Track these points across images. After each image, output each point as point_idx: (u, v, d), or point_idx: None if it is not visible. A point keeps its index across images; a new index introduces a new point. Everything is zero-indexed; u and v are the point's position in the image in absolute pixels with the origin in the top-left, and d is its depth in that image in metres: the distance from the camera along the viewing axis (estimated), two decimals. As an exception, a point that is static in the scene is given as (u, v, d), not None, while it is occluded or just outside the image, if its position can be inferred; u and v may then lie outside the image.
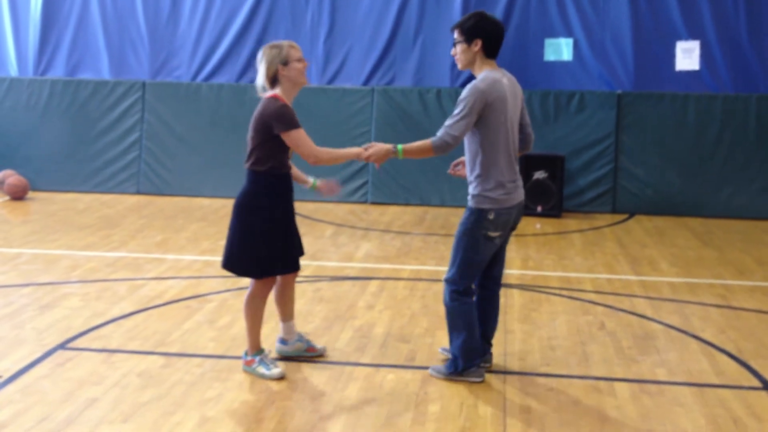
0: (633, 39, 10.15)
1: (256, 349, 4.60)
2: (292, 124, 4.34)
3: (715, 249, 8.21)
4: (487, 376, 4.64)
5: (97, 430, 3.88)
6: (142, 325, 5.43)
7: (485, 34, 4.37)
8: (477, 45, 4.37)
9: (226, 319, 5.56)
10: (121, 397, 4.24)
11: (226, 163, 10.64)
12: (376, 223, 9.24)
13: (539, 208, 9.71)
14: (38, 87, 10.95)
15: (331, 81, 10.68)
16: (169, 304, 5.91)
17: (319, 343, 5.03)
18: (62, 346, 4.98)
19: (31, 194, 10.39)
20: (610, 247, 8.15)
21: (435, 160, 10.27)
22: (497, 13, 10.38)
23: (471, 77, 10.35)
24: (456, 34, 4.43)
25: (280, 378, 4.52)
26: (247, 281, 6.51)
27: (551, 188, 9.69)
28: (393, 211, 9.99)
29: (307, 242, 7.99)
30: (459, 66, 4.49)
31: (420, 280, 6.74)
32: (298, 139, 4.36)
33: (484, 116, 4.31)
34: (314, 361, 4.81)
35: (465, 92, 4.31)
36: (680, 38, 10.07)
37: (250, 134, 4.46)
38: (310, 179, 4.80)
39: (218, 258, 7.28)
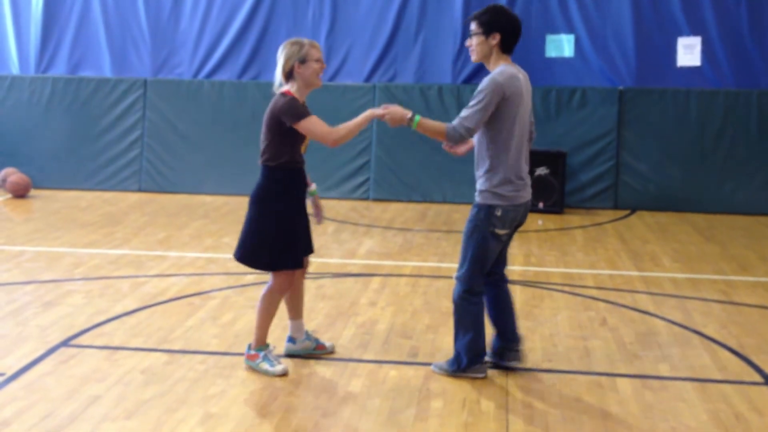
0: (634, 35, 10.14)
1: (262, 344, 4.60)
2: (301, 114, 4.36)
3: (717, 244, 8.21)
4: (490, 372, 4.64)
5: (101, 427, 3.89)
6: (145, 322, 5.44)
7: (504, 29, 4.33)
8: (495, 39, 4.33)
9: (228, 316, 5.58)
10: (125, 394, 4.25)
11: (228, 160, 10.66)
12: (378, 219, 9.25)
13: (541, 204, 9.71)
14: (40, 85, 10.96)
15: (332, 78, 10.69)
16: (171, 301, 5.93)
17: (322, 339, 5.04)
18: (65, 343, 5.00)
19: (33, 192, 10.41)
20: (612, 243, 8.16)
21: (437, 157, 10.29)
22: (498, 9, 10.38)
23: (473, 75, 10.46)
24: (473, 26, 4.38)
25: (283, 375, 4.53)
26: (251, 278, 6.54)
27: (553, 184, 9.69)
28: (395, 207, 9.99)
29: (309, 239, 8.02)
30: (473, 58, 4.43)
31: (422, 276, 6.75)
32: (311, 125, 4.37)
33: (499, 110, 4.28)
34: (317, 358, 4.82)
35: (483, 84, 4.27)
36: (682, 34, 10.06)
37: (262, 131, 4.48)
38: (313, 186, 4.76)
39: (221, 255, 7.32)
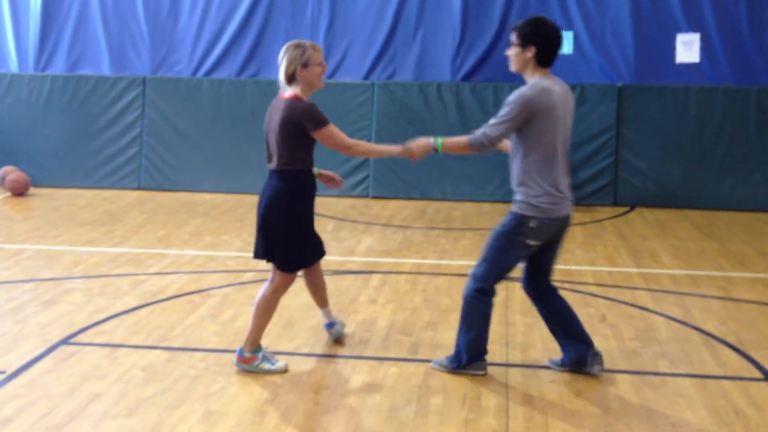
0: (633, 31, 10.14)
1: (256, 346, 4.59)
2: (323, 120, 4.41)
3: (716, 241, 8.22)
4: (490, 368, 4.65)
5: (101, 424, 3.90)
6: (145, 320, 5.44)
7: (540, 42, 4.26)
8: (531, 51, 4.27)
9: (228, 314, 5.58)
10: (125, 392, 4.25)
11: (227, 158, 10.67)
12: (377, 217, 9.25)
13: (540, 202, 9.71)
14: (39, 83, 10.96)
15: (331, 75, 10.68)
16: (171, 299, 5.93)
17: (323, 337, 5.07)
18: (65, 341, 5.00)
19: (32, 190, 10.40)
20: (611, 240, 8.17)
21: (436, 154, 10.28)
22: (497, 6, 10.39)
23: (472, 72, 10.46)
24: (512, 36, 4.34)
25: (286, 371, 4.54)
26: (250, 276, 6.54)
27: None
28: (394, 205, 9.99)
29: (308, 236, 8.03)
30: (511, 68, 4.39)
31: (421, 273, 6.75)
32: (332, 134, 4.42)
33: (531, 124, 4.22)
34: (317, 355, 4.82)
35: (512, 97, 4.23)
36: (681, 31, 10.06)
37: (277, 136, 4.42)
38: (315, 168, 4.77)
39: (220, 253, 7.33)
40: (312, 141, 4.48)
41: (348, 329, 5.28)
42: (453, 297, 6.06)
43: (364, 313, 5.64)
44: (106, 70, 11.10)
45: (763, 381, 4.56)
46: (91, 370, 4.53)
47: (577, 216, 9.42)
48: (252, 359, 4.56)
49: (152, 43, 11.01)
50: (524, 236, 4.33)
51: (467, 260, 7.22)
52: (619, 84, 10.17)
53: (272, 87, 10.67)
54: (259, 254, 4.58)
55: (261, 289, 4.64)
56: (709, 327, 5.47)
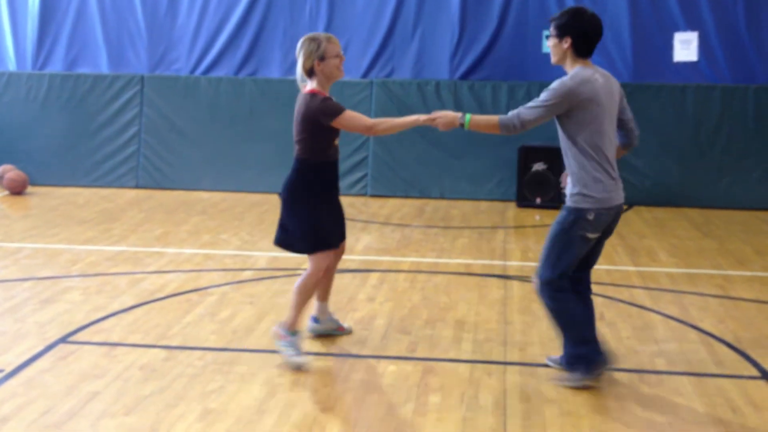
0: (631, 30, 10.15)
1: (293, 328, 4.65)
2: (337, 111, 4.45)
3: (714, 239, 8.23)
4: (488, 366, 4.66)
5: (100, 422, 3.90)
6: (143, 318, 5.44)
7: (576, 33, 4.22)
8: (567, 42, 4.23)
9: (226, 312, 5.58)
10: (123, 390, 4.26)
11: (226, 157, 10.67)
12: (375, 215, 9.26)
13: (538, 200, 9.72)
14: (37, 81, 10.95)
15: (329, 74, 10.67)
16: (169, 297, 5.93)
17: (321, 337, 5.07)
18: (64, 339, 5.00)
19: (30, 189, 10.40)
20: (608, 238, 8.15)
21: (434, 153, 10.31)
22: (495, 4, 10.39)
23: (470, 71, 10.46)
24: (551, 28, 4.33)
25: (300, 368, 4.56)
26: (248, 274, 6.55)
27: (550, 180, 9.71)
28: (392, 203, 10.00)
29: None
30: (552, 60, 4.37)
31: (420, 272, 6.76)
32: (349, 120, 4.47)
33: (574, 115, 4.19)
34: (316, 353, 4.83)
35: (554, 84, 4.20)
36: (678, 29, 10.07)
37: (296, 129, 4.58)
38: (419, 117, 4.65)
39: (218, 251, 7.33)
40: (330, 134, 4.54)
41: (346, 327, 5.26)
42: (451, 295, 6.07)
43: (362, 312, 5.65)
44: (104, 68, 11.09)
45: (760, 379, 4.57)
46: (90, 369, 4.53)
47: (575, 214, 9.43)
48: (283, 337, 4.63)
49: (150, 42, 11.00)
50: (583, 230, 4.26)
51: (465, 258, 7.22)
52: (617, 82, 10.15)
53: (270, 85, 10.69)
54: (276, 241, 4.74)
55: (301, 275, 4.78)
56: (706, 325, 5.47)
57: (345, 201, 10.67)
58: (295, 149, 4.67)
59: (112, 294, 5.97)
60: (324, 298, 5.06)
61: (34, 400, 4.11)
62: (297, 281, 4.73)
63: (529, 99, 10.20)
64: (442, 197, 10.31)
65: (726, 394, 4.33)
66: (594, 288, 6.34)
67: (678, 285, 6.50)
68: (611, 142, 4.32)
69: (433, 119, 4.41)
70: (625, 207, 10.00)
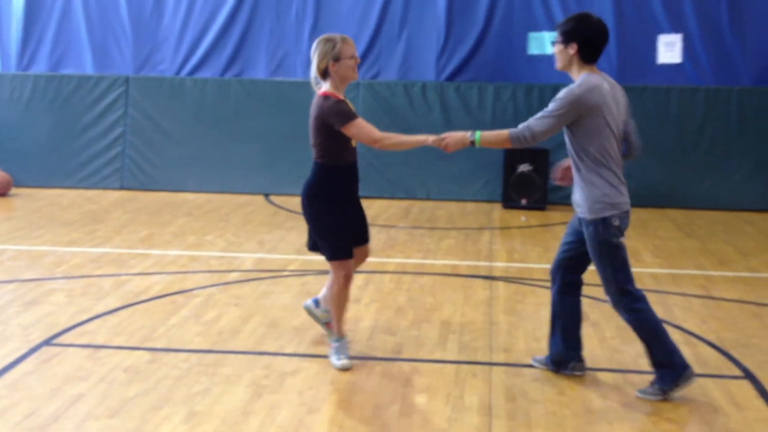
0: (616, 32, 10.20)
1: (339, 335, 4.69)
2: (349, 116, 4.44)
3: (697, 240, 8.29)
4: (473, 367, 4.68)
5: (84, 425, 3.89)
6: (128, 320, 5.43)
7: (582, 38, 4.17)
8: (573, 48, 4.19)
9: (212, 314, 5.57)
10: (108, 393, 4.24)
11: (211, 158, 10.64)
12: (361, 216, 9.25)
13: (524, 201, 9.76)
14: (21, 82, 10.88)
15: (315, 75, 10.67)
16: (154, 299, 5.91)
17: (307, 337, 5.07)
18: (48, 342, 4.98)
19: (14, 190, 10.33)
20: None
21: (419, 153, 10.29)
22: (481, 6, 10.43)
23: (456, 72, 10.49)
24: (557, 34, 4.29)
25: (344, 370, 4.59)
26: (234, 276, 6.54)
27: (536, 181, 9.75)
28: (379, 204, 10.00)
29: (293, 237, 8.03)
30: (556, 66, 4.33)
31: (405, 273, 6.77)
32: (358, 128, 4.45)
33: (584, 123, 4.15)
34: (301, 355, 4.83)
35: (562, 93, 4.15)
36: (662, 31, 10.12)
37: (311, 131, 4.56)
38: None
39: (204, 253, 7.32)
40: (345, 137, 4.51)
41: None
42: (437, 296, 6.08)
43: (348, 313, 5.63)
44: (89, 69, 11.04)
45: (742, 379, 4.61)
46: (74, 371, 4.51)
47: (560, 215, 9.48)
48: (330, 345, 4.71)
49: (135, 42, 10.96)
50: (616, 236, 4.21)
51: (451, 260, 7.24)
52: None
53: (256, 86, 10.67)
54: (309, 246, 4.74)
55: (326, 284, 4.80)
56: (689, 325, 5.52)
57: (331, 202, 10.60)
58: (312, 153, 4.63)
59: (96, 296, 5.95)
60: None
61: (18, 403, 4.09)
62: (328, 295, 4.76)
63: (515, 100, 10.38)
64: (428, 198, 10.33)
65: (709, 394, 4.37)
66: (579, 289, 6.37)
67: (662, 285, 6.54)
68: (619, 147, 4.31)
69: (442, 139, 4.37)
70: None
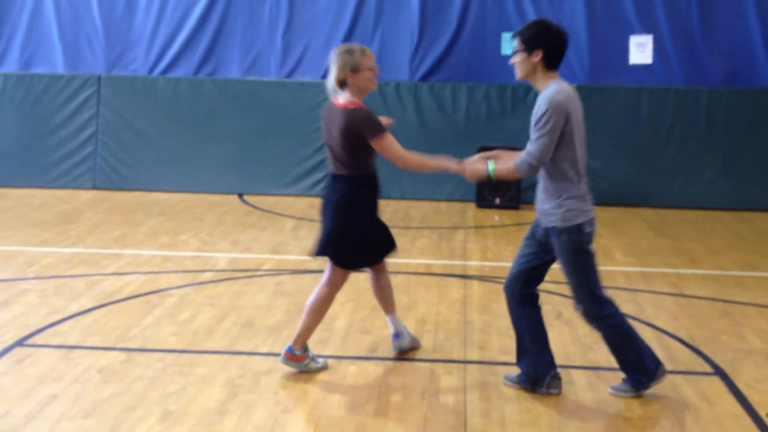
0: (588, 33, 10.30)
1: (305, 345, 4.60)
2: (381, 130, 4.41)
3: (668, 238, 8.40)
4: (448, 365, 4.71)
5: (58, 426, 3.86)
6: (102, 320, 5.39)
7: (546, 45, 4.09)
8: (537, 56, 4.10)
9: (186, 314, 5.55)
10: (82, 393, 4.22)
11: (184, 157, 10.59)
12: (336, 216, 9.25)
13: (498, 200, 9.82)
14: (-10, 81, 10.75)
15: (289, 75, 10.66)
16: (128, 299, 5.88)
17: (282, 336, 5.07)
18: (20, 342, 4.93)
19: (-16, 190, 10.22)
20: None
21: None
22: (455, 7, 10.47)
23: (430, 72, 10.52)
24: (516, 43, 4.16)
25: (325, 368, 4.61)
26: (209, 276, 6.51)
27: (509, 180, 9.81)
28: (353, 204, 9.99)
29: (267, 236, 8.01)
30: (517, 76, 4.23)
31: (380, 272, 6.77)
32: (389, 143, 4.43)
33: (564, 130, 4.16)
34: (276, 355, 4.81)
35: (543, 106, 4.05)
36: (634, 32, 10.25)
37: (338, 144, 4.45)
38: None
39: (177, 252, 7.28)
40: (371, 147, 4.48)
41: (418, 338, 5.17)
42: (411, 295, 6.11)
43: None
44: (60, 68, 10.93)
45: (713, 375, 4.68)
46: (47, 372, 4.48)
47: (532, 215, 9.46)
48: (302, 358, 4.57)
49: (107, 41, 10.87)
50: (587, 243, 4.19)
51: (425, 259, 7.27)
52: (573, 84, 10.26)
53: (229, 86, 10.63)
54: (318, 252, 4.64)
55: (315, 290, 4.66)
56: (661, 323, 5.59)
57: (306, 202, 10.67)
58: (337, 168, 4.54)
59: (69, 296, 5.90)
60: (390, 309, 4.88)
61: (-10, 405, 4.06)
62: (312, 297, 4.63)
63: (488, 100, 10.43)
64: (402, 198, 10.36)
65: (680, 390, 4.43)
66: (551, 287, 6.44)
67: (633, 283, 6.62)
68: (584, 155, 4.33)
69: (464, 170, 4.37)
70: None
